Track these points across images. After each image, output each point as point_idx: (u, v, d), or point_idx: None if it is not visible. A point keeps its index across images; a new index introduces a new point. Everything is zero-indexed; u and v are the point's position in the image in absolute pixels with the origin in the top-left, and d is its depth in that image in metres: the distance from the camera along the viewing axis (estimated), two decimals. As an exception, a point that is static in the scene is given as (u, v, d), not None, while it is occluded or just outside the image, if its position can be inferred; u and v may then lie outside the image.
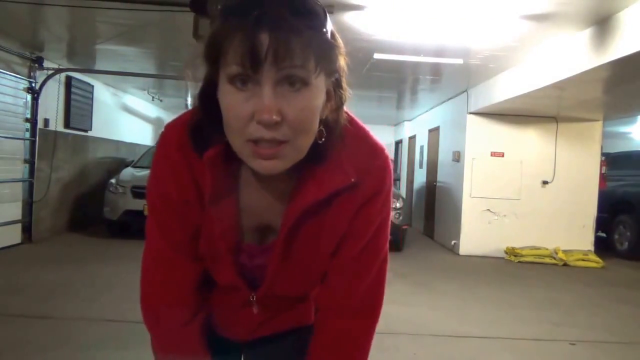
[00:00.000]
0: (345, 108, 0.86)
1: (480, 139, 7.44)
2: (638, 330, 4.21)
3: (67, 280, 4.76)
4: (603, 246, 7.94)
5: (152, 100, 9.98)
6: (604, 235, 8.38)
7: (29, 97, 6.30)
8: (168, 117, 10.88)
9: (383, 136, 12.45)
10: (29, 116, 6.32)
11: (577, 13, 3.97)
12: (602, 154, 7.91)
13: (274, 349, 1.15)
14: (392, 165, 0.94)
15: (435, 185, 8.91)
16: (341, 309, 0.98)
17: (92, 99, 7.89)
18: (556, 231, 7.38)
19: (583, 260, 7.02)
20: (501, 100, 6.28)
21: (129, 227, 7.07)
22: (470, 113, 7.44)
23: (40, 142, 6.51)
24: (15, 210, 6.17)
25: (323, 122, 0.80)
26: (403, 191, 10.85)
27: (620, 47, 3.89)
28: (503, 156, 7.47)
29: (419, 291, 5.15)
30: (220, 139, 0.80)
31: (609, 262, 7.13)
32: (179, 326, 0.99)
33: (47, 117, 6.65)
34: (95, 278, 4.92)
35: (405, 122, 11.88)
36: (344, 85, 0.83)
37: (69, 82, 7.19)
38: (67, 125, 7.24)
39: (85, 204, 7.82)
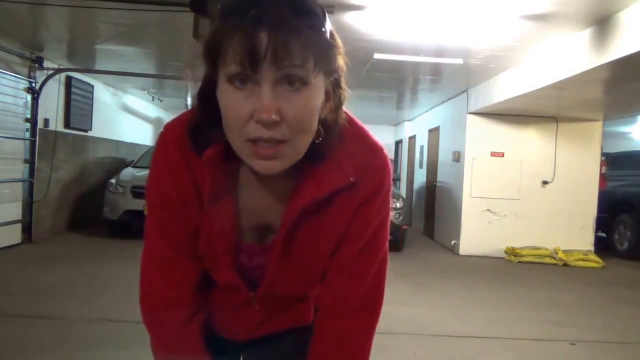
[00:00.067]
0: (344, 108, 0.86)
1: (480, 139, 7.44)
2: (638, 330, 4.21)
3: (67, 280, 4.76)
4: (603, 246, 7.94)
5: (152, 100, 9.99)
6: (604, 235, 8.38)
7: (29, 97, 6.30)
8: (168, 117, 10.85)
9: (383, 136, 12.46)
10: (29, 116, 6.32)
11: (577, 13, 3.97)
12: (602, 154, 7.91)
13: (273, 348, 1.15)
14: (391, 165, 0.94)
15: (435, 185, 8.91)
16: (341, 309, 0.98)
17: (92, 99, 7.89)
18: (556, 231, 7.38)
19: (583, 260, 7.02)
20: (501, 100, 6.28)
21: (129, 227, 7.07)
22: (470, 113, 7.44)
23: (40, 142, 6.51)
24: (15, 210, 6.17)
25: (322, 121, 0.80)
26: (403, 191, 10.85)
27: (620, 47, 3.89)
28: (503, 156, 7.47)
29: (419, 291, 5.15)
30: (219, 139, 0.80)
31: (609, 262, 7.12)
32: (178, 326, 0.99)
33: (47, 117, 6.66)
34: (95, 278, 4.92)
35: (405, 122, 11.88)
36: (343, 85, 0.83)
37: (69, 82, 7.19)
38: (67, 125, 7.24)
39: (85, 204, 7.82)
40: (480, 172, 7.43)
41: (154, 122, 11.08)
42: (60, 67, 6.77)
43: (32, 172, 6.42)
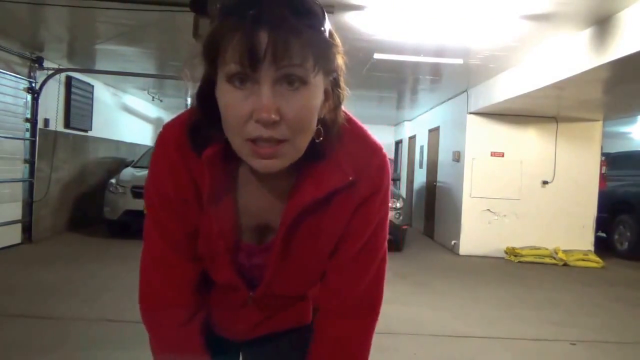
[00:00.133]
0: (343, 107, 0.86)
1: (480, 139, 7.44)
2: (638, 330, 4.21)
3: (67, 280, 4.76)
4: (603, 246, 7.94)
5: (152, 100, 9.99)
6: (604, 235, 8.38)
7: (29, 97, 6.30)
8: (168, 117, 10.79)
9: (383, 136, 12.47)
10: (29, 116, 6.32)
11: (577, 13, 3.97)
12: (602, 154, 7.91)
13: (273, 348, 1.15)
14: (390, 165, 0.94)
15: (435, 185, 8.91)
16: (341, 308, 0.98)
17: (92, 99, 7.89)
18: (556, 231, 7.38)
19: (583, 260, 7.02)
20: (501, 100, 6.28)
21: (129, 227, 7.08)
22: (470, 113, 7.44)
23: (40, 142, 6.51)
24: (15, 210, 6.17)
25: (321, 121, 0.81)
26: (403, 191, 10.85)
27: (620, 47, 3.89)
28: (503, 156, 7.47)
29: (419, 291, 5.15)
30: (218, 138, 0.80)
31: (609, 262, 7.12)
32: (177, 326, 0.99)
33: (47, 117, 6.66)
34: (96, 278, 4.92)
35: (405, 122, 11.88)
36: (342, 84, 0.83)
37: (69, 82, 7.19)
38: (67, 125, 7.24)
39: (85, 204, 7.82)
40: (480, 172, 7.43)
41: (154, 122, 11.08)
42: (60, 67, 6.77)
43: (32, 172, 6.42)
